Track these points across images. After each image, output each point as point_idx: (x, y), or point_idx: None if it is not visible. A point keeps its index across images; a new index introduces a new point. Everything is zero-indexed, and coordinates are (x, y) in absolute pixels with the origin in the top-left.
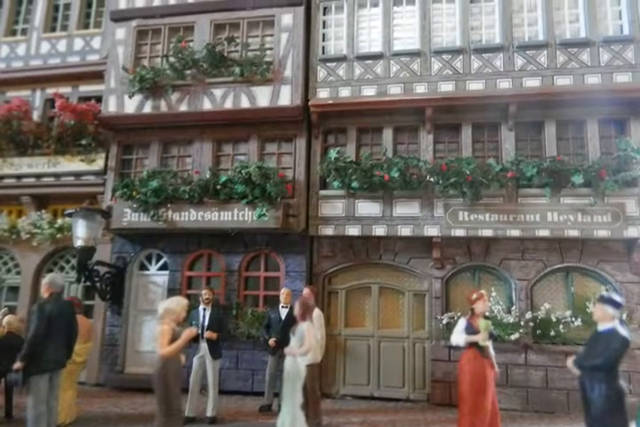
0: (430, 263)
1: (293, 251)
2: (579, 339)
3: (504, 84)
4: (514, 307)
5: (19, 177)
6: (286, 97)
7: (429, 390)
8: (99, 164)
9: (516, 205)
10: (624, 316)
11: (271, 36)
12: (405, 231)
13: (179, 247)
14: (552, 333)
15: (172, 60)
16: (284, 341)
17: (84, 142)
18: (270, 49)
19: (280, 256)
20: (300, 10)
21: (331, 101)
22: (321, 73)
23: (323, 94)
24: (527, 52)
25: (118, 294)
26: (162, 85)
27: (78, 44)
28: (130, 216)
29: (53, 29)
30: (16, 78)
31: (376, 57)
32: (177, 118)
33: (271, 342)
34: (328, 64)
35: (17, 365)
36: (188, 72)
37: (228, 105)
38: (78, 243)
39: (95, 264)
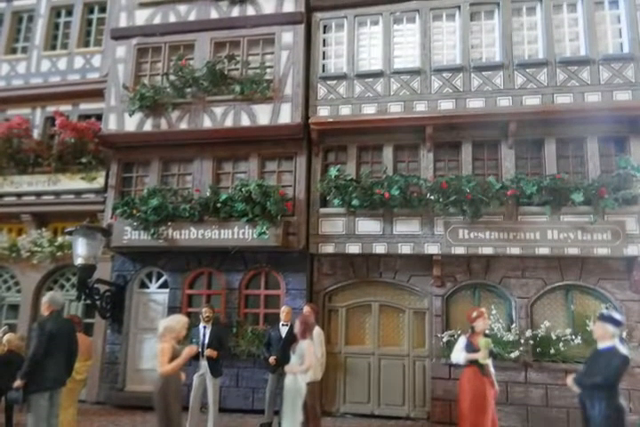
0: (430, 281)
1: (294, 269)
2: (579, 357)
3: (504, 102)
4: (514, 325)
5: (19, 195)
6: (286, 115)
7: (430, 408)
8: (99, 182)
9: (516, 222)
10: (624, 334)
11: (271, 54)
12: (406, 249)
13: (179, 265)
14: (552, 351)
15: (172, 78)
16: (284, 359)
17: (84, 160)
18: (270, 67)
19: (280, 274)
20: (301, 28)
21: (331, 119)
22: (321, 91)
23: (323, 112)
24: (527, 70)
25: (118, 311)
26: (162, 103)
27: (78, 62)
28: (130, 234)
29: (54, 47)
30: (16, 96)
31: (376, 75)
32: (177, 136)
33: (271, 359)
34: (328, 82)
35: (17, 383)
36: (189, 90)
37: (229, 123)
38: (78, 261)
39: (95, 282)
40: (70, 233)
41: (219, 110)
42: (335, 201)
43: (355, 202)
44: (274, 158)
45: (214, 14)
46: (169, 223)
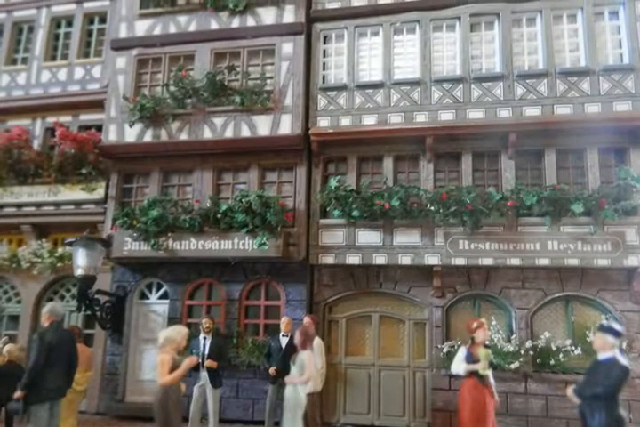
0: (431, 292)
1: (294, 280)
2: (579, 368)
3: (504, 113)
4: (514, 336)
5: (19, 206)
6: (286, 126)
7: (430, 419)
8: (99, 192)
9: (516, 233)
10: (624, 345)
11: (271, 64)
12: (406, 260)
13: (179, 276)
14: (552, 361)
15: (172, 88)
16: (284, 369)
17: (84, 171)
18: (271, 78)
19: (280, 285)
20: (301, 39)
21: (331, 130)
22: (321, 102)
23: (323, 123)
24: (527, 80)
25: (118, 322)
26: (162, 114)
27: (79, 72)
28: (130, 245)
29: (54, 58)
30: (16, 107)
31: (376, 86)
32: (177, 147)
33: (272, 370)
34: (328, 93)
35: (17, 393)
36: (189, 101)
37: (229, 134)
38: (79, 272)
39: (95, 293)
40: (70, 244)
41: (219, 121)
42: (335, 212)
43: (355, 213)
44: (274, 169)
45: (214, 25)
46: (169, 234)
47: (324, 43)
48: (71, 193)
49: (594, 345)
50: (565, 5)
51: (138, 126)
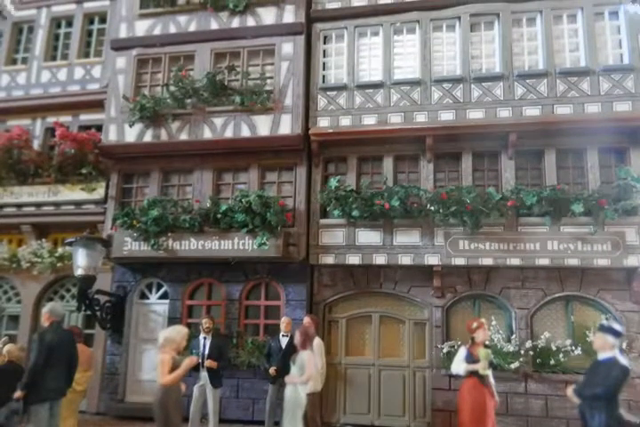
0: (431, 292)
1: (294, 280)
2: (579, 368)
3: (504, 113)
4: (514, 336)
5: (19, 206)
6: (286, 126)
7: (430, 419)
8: (99, 192)
9: (516, 233)
10: (624, 345)
11: (271, 64)
12: (406, 260)
13: (179, 276)
14: (552, 362)
15: (172, 88)
16: (284, 369)
17: (84, 171)
18: (271, 78)
19: (280, 285)
20: (301, 39)
21: (331, 130)
22: (321, 102)
23: (323, 123)
24: (527, 80)
25: (118, 322)
26: (162, 114)
27: (79, 72)
28: (130, 245)
29: (54, 58)
30: (16, 107)
31: (376, 86)
32: (177, 147)
33: (272, 370)
34: (328, 93)
35: (17, 393)
36: (189, 101)
37: (229, 134)
38: (79, 272)
39: (95, 293)
40: (70, 244)
41: (219, 121)
42: (335, 212)
43: (355, 213)
44: (274, 169)
45: (214, 25)
46: (169, 234)
47: (324, 43)
48: (71, 193)
49: (594, 345)
50: (565, 5)
51: (138, 126)
